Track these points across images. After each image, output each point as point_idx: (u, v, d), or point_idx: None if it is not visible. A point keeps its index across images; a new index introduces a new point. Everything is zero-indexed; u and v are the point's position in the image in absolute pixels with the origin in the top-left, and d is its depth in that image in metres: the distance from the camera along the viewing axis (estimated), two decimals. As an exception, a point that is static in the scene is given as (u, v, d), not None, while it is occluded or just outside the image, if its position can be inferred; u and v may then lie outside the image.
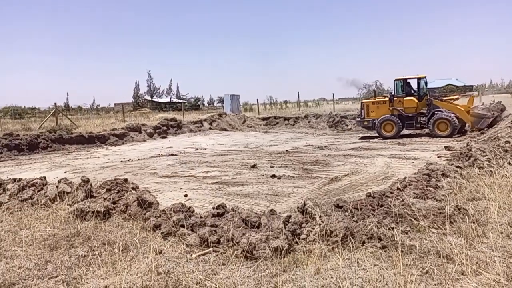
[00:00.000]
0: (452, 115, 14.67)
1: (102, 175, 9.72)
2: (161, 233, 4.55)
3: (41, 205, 6.03)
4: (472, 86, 72.19)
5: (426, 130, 15.43)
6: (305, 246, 4.01)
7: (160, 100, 62.06)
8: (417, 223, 4.30)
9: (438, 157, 10.29)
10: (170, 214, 4.98)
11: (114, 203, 5.69)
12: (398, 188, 5.81)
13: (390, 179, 7.75)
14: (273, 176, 8.66)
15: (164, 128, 22.06)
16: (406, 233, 4.09)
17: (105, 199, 5.75)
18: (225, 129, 24.70)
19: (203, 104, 65.99)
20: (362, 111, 16.49)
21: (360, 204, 4.92)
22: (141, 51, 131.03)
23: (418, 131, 16.23)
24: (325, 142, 15.71)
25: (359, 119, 17.01)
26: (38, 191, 6.48)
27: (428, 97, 15.53)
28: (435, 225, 4.28)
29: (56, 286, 3.43)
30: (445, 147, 11.86)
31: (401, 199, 5.03)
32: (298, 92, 36.93)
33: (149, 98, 62.29)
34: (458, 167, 7.15)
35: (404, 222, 4.35)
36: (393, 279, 3.21)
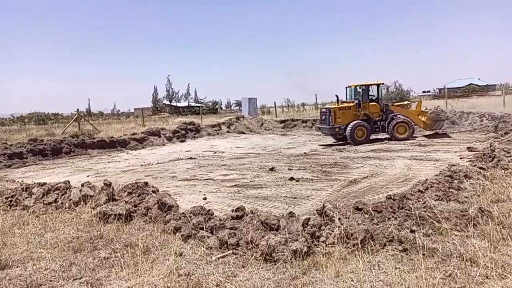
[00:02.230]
0: (409, 119, 15.80)
1: (123, 178, 9.91)
2: (181, 235, 4.61)
3: (65, 208, 6.19)
4: (495, 85, 70.35)
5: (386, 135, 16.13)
6: (324, 249, 3.99)
7: (179, 105, 62.74)
8: (439, 226, 4.22)
9: (460, 158, 10.08)
10: (190, 217, 5.04)
11: (135, 206, 5.80)
12: (419, 190, 5.73)
13: (410, 181, 7.64)
14: (292, 178, 8.64)
15: (183, 132, 22.28)
16: (428, 236, 4.03)
17: (126, 202, 5.87)
18: (243, 132, 24.76)
19: (221, 108, 66.29)
20: (330, 117, 15.73)
21: (380, 206, 4.87)
22: (160, 57, 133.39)
23: (382, 135, 16.35)
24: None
25: (326, 126, 16.03)
26: (62, 194, 6.66)
27: (385, 103, 16.39)
28: (458, 227, 4.20)
29: (80, 287, 3.52)
30: (468, 148, 11.61)
31: (422, 201, 4.95)
32: (315, 95, 36.51)
33: (167, 102, 63.08)
34: (481, 168, 6.99)
35: (425, 224, 4.28)
36: (415, 282, 3.16)
